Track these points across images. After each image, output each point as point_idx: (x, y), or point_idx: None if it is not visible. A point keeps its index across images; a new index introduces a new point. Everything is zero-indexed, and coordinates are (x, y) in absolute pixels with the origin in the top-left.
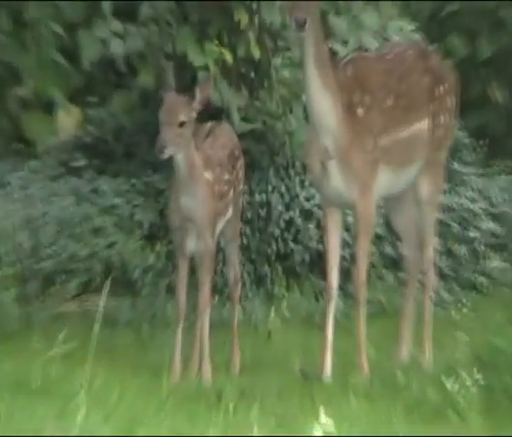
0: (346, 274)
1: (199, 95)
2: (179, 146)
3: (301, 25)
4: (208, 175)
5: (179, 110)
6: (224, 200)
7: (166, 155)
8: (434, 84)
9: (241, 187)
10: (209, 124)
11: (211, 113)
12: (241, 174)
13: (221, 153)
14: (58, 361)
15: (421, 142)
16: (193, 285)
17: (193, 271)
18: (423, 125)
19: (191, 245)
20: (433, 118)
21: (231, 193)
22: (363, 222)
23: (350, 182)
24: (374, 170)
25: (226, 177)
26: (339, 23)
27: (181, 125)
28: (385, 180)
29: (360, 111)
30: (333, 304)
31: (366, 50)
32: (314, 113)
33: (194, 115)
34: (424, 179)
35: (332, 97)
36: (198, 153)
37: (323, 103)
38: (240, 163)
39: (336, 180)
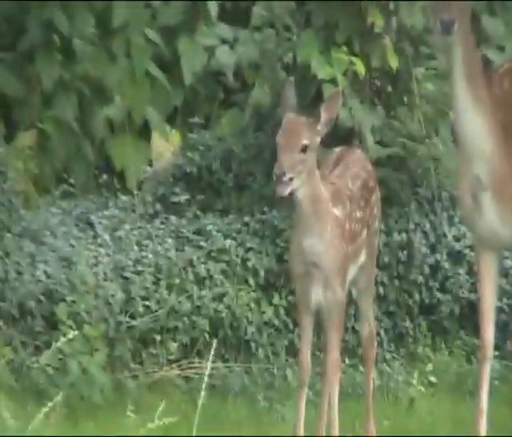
0: (504, 329)
1: (324, 114)
2: (300, 175)
3: (448, 28)
4: (337, 211)
5: (300, 132)
6: (356, 242)
7: (286, 188)
8: None
9: (377, 225)
10: (337, 149)
11: (340, 136)
12: (377, 210)
13: (353, 185)
14: None
15: None
16: (319, 345)
17: (320, 329)
18: None
19: (317, 296)
20: None
21: (365, 233)
22: None
23: (508, 218)
24: None
25: (358, 213)
26: (494, 25)
27: (304, 150)
28: None
29: None
30: (489, 366)
31: None
32: (464, 135)
33: (318, 139)
34: None
35: (485, 116)
36: (324, 185)
37: (475, 123)
38: (376, 196)
39: (491, 216)
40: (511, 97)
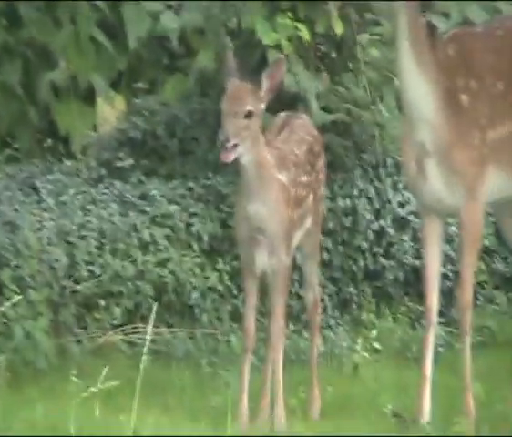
0: (448, 296)
1: (266, 81)
2: (245, 141)
3: None
4: (282, 177)
5: (245, 98)
6: (302, 207)
7: (230, 154)
8: None
9: (322, 190)
10: (282, 115)
11: (285, 101)
12: (322, 175)
13: (298, 150)
14: (99, 403)
15: None
16: (263, 311)
17: (264, 294)
18: None
19: (262, 262)
20: None
21: (311, 198)
22: (469, 233)
23: (452, 184)
24: (482, 171)
25: (304, 178)
26: None
27: (248, 115)
28: (495, 183)
29: (464, 98)
30: (433, 332)
31: (472, 24)
32: (409, 101)
33: (263, 105)
34: None
35: (430, 82)
36: (269, 150)
37: (420, 89)
38: (321, 162)
39: (436, 183)
40: (456, 64)
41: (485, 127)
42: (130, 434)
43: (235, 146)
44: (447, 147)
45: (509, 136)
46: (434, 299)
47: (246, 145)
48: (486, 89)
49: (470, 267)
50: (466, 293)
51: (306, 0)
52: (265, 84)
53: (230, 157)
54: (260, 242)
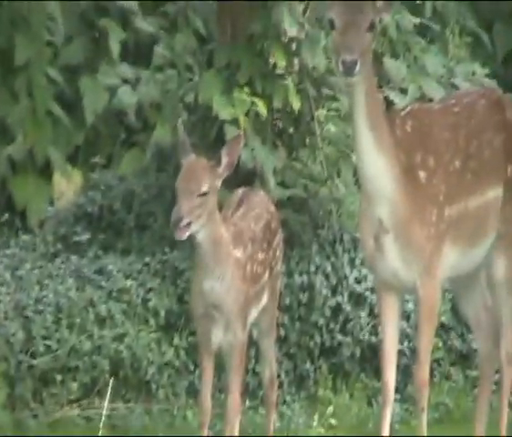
0: (405, 372)
1: (224, 158)
2: (199, 220)
3: (350, 70)
4: (238, 253)
5: (200, 177)
6: (259, 284)
7: (184, 232)
8: (510, 141)
9: (279, 267)
10: (239, 191)
11: (242, 177)
12: (279, 252)
13: (255, 226)
14: None
15: (495, 213)
16: (219, 387)
17: (221, 370)
18: (497, 192)
19: (218, 338)
20: (509, 184)
21: (267, 275)
22: (426, 309)
23: (409, 260)
24: (439, 247)
25: (261, 255)
26: (396, 66)
27: (203, 195)
28: (453, 259)
29: (422, 175)
30: (390, 409)
31: (429, 100)
32: (367, 177)
33: (219, 182)
34: (499, 256)
35: (388, 158)
36: (225, 226)
37: (377, 165)
38: (278, 238)
39: (393, 259)
40: (413, 140)
41: (442, 204)
42: None
43: (189, 224)
44: (405, 224)
45: (465, 212)
46: (391, 376)
47: (200, 222)
48: (444, 166)
49: (427, 343)
50: (423, 370)
51: (263, 75)
52: (223, 160)
53: (184, 235)
54: (215, 318)
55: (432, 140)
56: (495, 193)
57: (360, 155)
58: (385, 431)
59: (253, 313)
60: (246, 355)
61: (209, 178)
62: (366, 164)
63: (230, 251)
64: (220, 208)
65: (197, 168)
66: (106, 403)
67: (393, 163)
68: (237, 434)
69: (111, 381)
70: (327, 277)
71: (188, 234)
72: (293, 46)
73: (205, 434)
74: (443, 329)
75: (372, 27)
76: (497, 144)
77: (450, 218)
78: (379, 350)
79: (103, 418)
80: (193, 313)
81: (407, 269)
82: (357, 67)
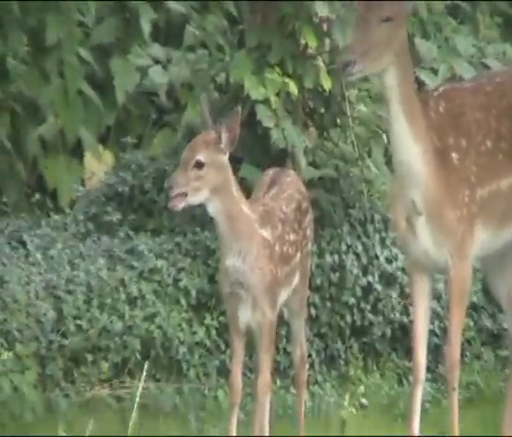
0: (435, 352)
1: (224, 134)
2: (198, 193)
3: (346, 69)
4: (265, 233)
5: (197, 149)
6: (290, 265)
7: (177, 203)
8: None
9: (310, 247)
10: (270, 171)
11: (273, 157)
12: (310, 232)
13: (287, 208)
14: None
15: None
16: (251, 366)
17: (252, 350)
18: None
19: (245, 317)
20: None
21: (298, 256)
22: (457, 289)
23: (442, 242)
24: (471, 228)
25: (292, 236)
26: (427, 47)
27: (199, 166)
28: (484, 239)
29: (454, 157)
30: (421, 388)
31: (460, 79)
32: (399, 160)
33: (223, 157)
34: None
35: (421, 143)
36: (253, 206)
37: (411, 148)
38: (309, 218)
39: (425, 240)
40: (446, 121)
41: (474, 185)
42: None
43: (184, 195)
44: (437, 206)
45: (497, 193)
46: (422, 356)
47: (201, 195)
48: (475, 147)
49: (458, 324)
50: (454, 350)
51: (294, 55)
52: (223, 136)
53: (178, 206)
54: (242, 297)
55: (464, 121)
56: None
57: (393, 139)
58: (416, 410)
59: (284, 294)
60: (277, 335)
61: (206, 151)
62: (400, 147)
63: (254, 230)
64: (251, 187)
65: (197, 141)
66: (140, 383)
67: (426, 147)
68: (267, 414)
69: (146, 363)
70: (358, 256)
71: (183, 205)
72: (324, 27)
73: (235, 414)
74: (474, 309)
75: (388, 19)
76: None
77: (482, 200)
78: (410, 330)
79: (137, 398)
80: (221, 292)
81: (439, 250)
82: (356, 67)
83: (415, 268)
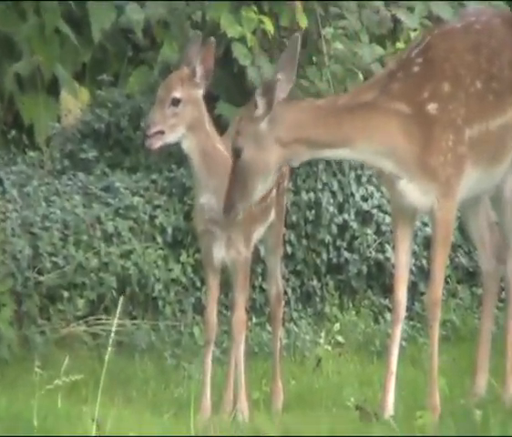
0: (412, 290)
1: (199, 68)
2: (174, 129)
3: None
4: None
5: (172, 86)
6: (265, 201)
7: (155, 141)
8: None
9: (286, 184)
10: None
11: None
12: (286, 168)
13: None
14: (63, 395)
15: None
16: (227, 304)
17: (228, 287)
18: None
19: (220, 254)
20: None
21: (274, 192)
22: (443, 230)
23: (427, 191)
24: (460, 169)
25: None
26: None
27: (175, 103)
28: (474, 179)
29: (432, 107)
30: (400, 327)
31: (437, 18)
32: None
33: (198, 92)
34: (510, 174)
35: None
36: (228, 143)
37: (371, 150)
38: None
39: (410, 194)
40: (421, 76)
41: (460, 127)
42: (92, 425)
43: (161, 133)
44: (416, 167)
45: (487, 133)
46: (402, 295)
47: (177, 132)
48: (464, 89)
49: (442, 263)
50: (437, 290)
51: None
52: (198, 70)
53: (155, 145)
54: (216, 235)
55: (448, 66)
56: None
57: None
58: (395, 348)
59: (260, 230)
60: (253, 272)
61: (181, 87)
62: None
63: (227, 166)
64: (227, 125)
65: (171, 78)
66: (115, 320)
67: (392, 124)
68: (242, 351)
69: (121, 298)
70: (334, 194)
71: (160, 144)
72: None
73: (211, 351)
74: (450, 246)
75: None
76: None
77: (471, 140)
78: (386, 268)
79: (112, 335)
80: (196, 229)
81: (425, 198)
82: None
83: (399, 211)
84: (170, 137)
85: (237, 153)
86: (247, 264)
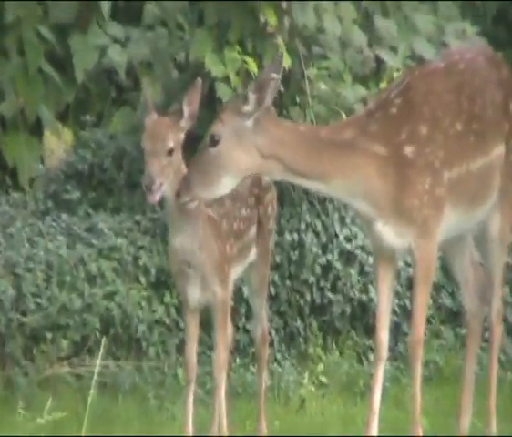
0: (395, 330)
1: (186, 109)
2: (168, 177)
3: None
4: (211, 211)
5: (165, 136)
6: (242, 240)
7: (156, 195)
8: (507, 99)
9: (271, 224)
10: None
11: None
12: (271, 209)
13: (239, 183)
14: (46, 435)
15: (498, 171)
16: (210, 344)
17: (209, 328)
18: (500, 150)
19: (195, 295)
20: (508, 141)
21: (252, 232)
22: (422, 270)
23: (404, 233)
24: (438, 211)
25: (245, 212)
26: (387, 25)
27: (170, 152)
28: (454, 220)
29: (409, 150)
30: (383, 367)
31: (420, 59)
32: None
33: (183, 135)
34: (495, 213)
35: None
36: None
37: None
38: (270, 196)
39: (387, 236)
40: (399, 117)
41: (438, 170)
42: None
43: (160, 185)
44: (392, 210)
45: (468, 175)
46: (384, 335)
47: (169, 180)
48: (442, 131)
49: (423, 303)
50: (418, 330)
51: (254, 33)
52: (186, 111)
53: (157, 198)
54: (190, 276)
55: (426, 108)
56: (498, 151)
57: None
58: (378, 388)
59: (237, 270)
60: (236, 312)
61: (173, 135)
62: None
63: (199, 209)
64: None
65: (161, 127)
66: (98, 361)
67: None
68: (223, 391)
69: (103, 339)
70: (317, 235)
71: (160, 195)
72: (284, 5)
73: (192, 391)
74: (433, 287)
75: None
76: (498, 101)
77: (451, 182)
78: (369, 309)
79: (95, 376)
80: (171, 270)
81: (401, 239)
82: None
83: (379, 251)
84: (166, 186)
85: (213, 140)
86: (225, 304)
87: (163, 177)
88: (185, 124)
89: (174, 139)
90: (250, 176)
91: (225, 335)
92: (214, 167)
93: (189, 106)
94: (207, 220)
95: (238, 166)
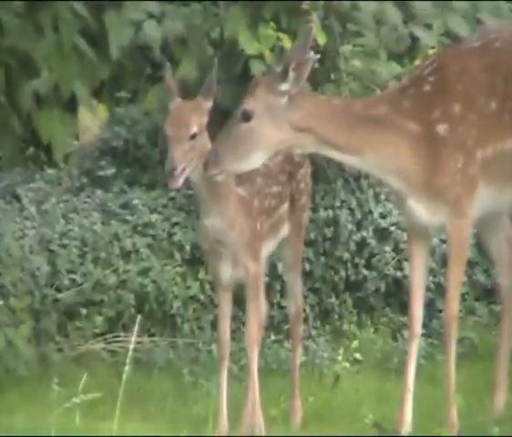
0: (430, 307)
1: (207, 90)
2: (192, 161)
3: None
4: (241, 190)
5: (189, 121)
6: (273, 217)
7: (178, 180)
8: None
9: (304, 200)
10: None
11: None
12: (304, 185)
13: (270, 160)
14: (81, 412)
15: None
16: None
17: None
18: None
19: (227, 272)
20: None
21: (284, 208)
22: (456, 248)
23: (436, 211)
24: (471, 189)
25: (274, 189)
26: (421, 2)
27: (193, 137)
28: (487, 198)
29: (442, 128)
30: (417, 343)
31: (456, 37)
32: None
33: (206, 119)
34: None
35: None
36: None
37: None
38: (303, 172)
39: (420, 213)
40: (432, 95)
41: (471, 149)
42: None
43: (183, 170)
44: (424, 187)
45: (502, 153)
46: (418, 311)
47: (194, 164)
48: (476, 109)
49: (457, 281)
50: (453, 306)
51: (289, 10)
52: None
53: (180, 183)
54: (222, 254)
55: (460, 86)
56: None
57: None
58: (412, 365)
59: (269, 245)
60: (271, 289)
61: (196, 119)
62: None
63: (229, 189)
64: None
65: (184, 112)
66: (133, 338)
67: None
68: (255, 366)
69: (139, 316)
70: (352, 211)
71: (182, 180)
72: None
73: (225, 368)
74: (468, 264)
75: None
76: None
77: (484, 161)
78: (404, 285)
79: (130, 352)
80: (202, 248)
81: (434, 217)
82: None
83: (413, 227)
84: (190, 170)
85: (245, 115)
86: (256, 279)
87: (186, 162)
88: (207, 106)
89: (197, 123)
90: (281, 151)
91: (257, 311)
92: (245, 143)
93: (209, 87)
94: (237, 200)
95: (269, 142)
